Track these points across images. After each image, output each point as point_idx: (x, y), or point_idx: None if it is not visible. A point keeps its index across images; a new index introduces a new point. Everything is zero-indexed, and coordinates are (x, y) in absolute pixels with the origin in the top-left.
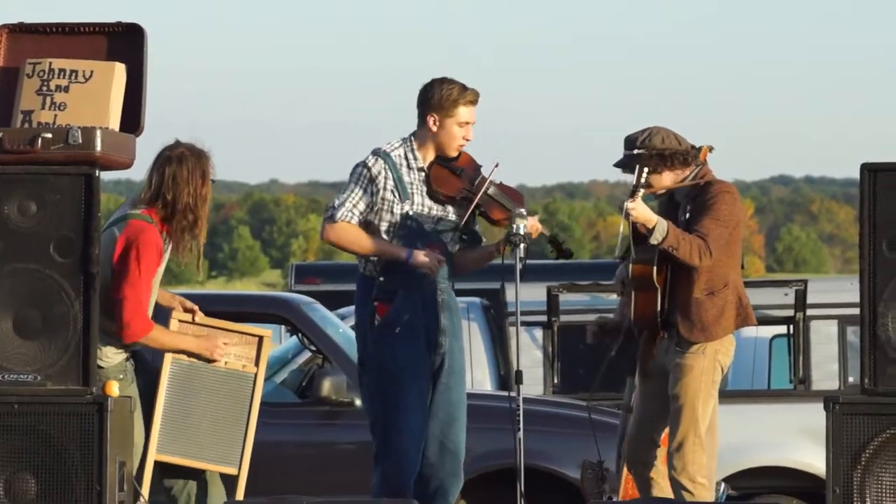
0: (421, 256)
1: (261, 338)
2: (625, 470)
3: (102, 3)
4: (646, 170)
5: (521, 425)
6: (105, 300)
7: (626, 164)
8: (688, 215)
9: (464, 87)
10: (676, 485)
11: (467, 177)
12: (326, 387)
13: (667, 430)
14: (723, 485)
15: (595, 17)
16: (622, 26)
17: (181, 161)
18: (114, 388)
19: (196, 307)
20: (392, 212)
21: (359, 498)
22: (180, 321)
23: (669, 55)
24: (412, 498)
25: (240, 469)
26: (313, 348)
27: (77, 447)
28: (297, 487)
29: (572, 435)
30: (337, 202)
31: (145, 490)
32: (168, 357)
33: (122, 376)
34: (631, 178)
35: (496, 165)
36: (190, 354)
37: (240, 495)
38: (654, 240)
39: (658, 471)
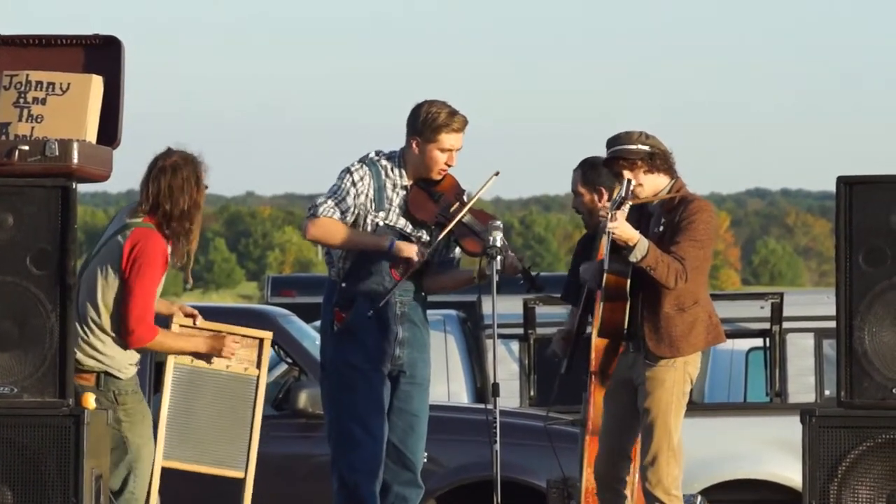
0: (403, 246)
1: (261, 340)
2: (583, 486)
3: (78, 15)
4: (633, 182)
5: (498, 438)
6: (116, 310)
7: (619, 157)
8: (661, 228)
9: (451, 114)
10: (651, 498)
11: (445, 203)
12: (303, 399)
13: (637, 443)
14: (699, 497)
15: (570, 30)
16: (597, 39)
17: (175, 170)
18: (90, 401)
19: (196, 312)
20: (366, 220)
21: None
22: (181, 326)
23: (646, 67)
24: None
25: (246, 472)
26: (289, 360)
27: (53, 459)
28: (274, 500)
29: (549, 447)
30: (318, 201)
31: (153, 499)
32: (171, 362)
33: (137, 393)
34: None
35: (496, 174)
36: (199, 356)
37: (247, 499)
38: (634, 258)
39: (628, 486)
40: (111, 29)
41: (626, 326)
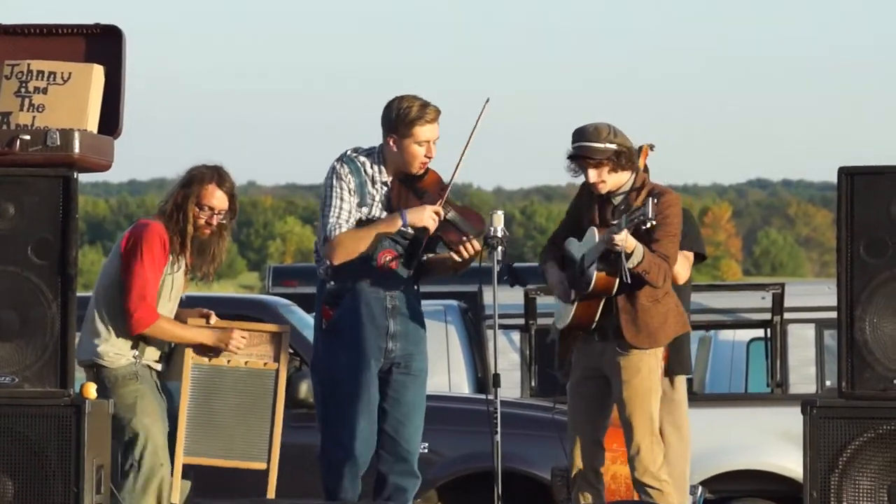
0: (415, 216)
1: (279, 333)
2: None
3: (80, 4)
4: (655, 201)
5: (499, 428)
6: (109, 301)
7: (585, 156)
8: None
9: (423, 106)
10: (640, 486)
11: (428, 200)
12: (303, 389)
13: (608, 430)
14: (700, 488)
15: (571, 21)
16: (598, 29)
17: (182, 176)
18: (91, 391)
19: (210, 312)
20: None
21: (335, 501)
22: (198, 326)
23: (646, 58)
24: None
25: (269, 463)
26: (290, 351)
27: (54, 449)
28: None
29: (549, 438)
30: (323, 222)
31: (175, 494)
32: (189, 361)
33: (133, 379)
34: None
35: (487, 101)
36: (208, 349)
37: (271, 490)
38: (631, 263)
39: (603, 476)
40: (112, 18)
41: (596, 321)
